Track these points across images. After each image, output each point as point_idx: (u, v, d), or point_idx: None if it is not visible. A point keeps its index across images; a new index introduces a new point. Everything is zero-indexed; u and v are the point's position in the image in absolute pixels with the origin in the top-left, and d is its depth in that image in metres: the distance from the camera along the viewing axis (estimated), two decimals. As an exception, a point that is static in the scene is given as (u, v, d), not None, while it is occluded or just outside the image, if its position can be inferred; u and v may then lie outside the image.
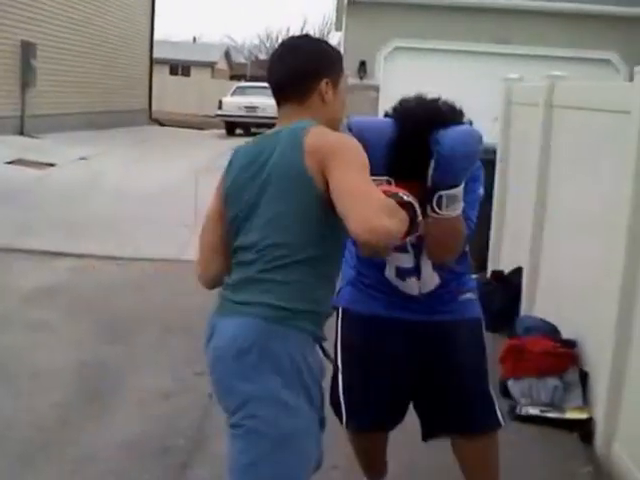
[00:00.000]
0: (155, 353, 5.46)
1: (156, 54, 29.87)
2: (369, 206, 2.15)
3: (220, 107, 25.78)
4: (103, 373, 5.08)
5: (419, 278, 3.08)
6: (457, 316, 3.13)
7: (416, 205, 2.39)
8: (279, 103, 2.59)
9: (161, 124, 28.48)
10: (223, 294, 2.52)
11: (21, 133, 17.95)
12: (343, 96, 2.62)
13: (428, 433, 3.28)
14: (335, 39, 39.53)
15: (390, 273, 3.10)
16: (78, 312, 6.25)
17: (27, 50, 18.32)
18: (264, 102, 25.24)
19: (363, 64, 19.62)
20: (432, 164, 2.80)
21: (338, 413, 3.24)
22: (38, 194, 11.75)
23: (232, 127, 25.93)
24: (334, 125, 2.57)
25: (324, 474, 2.80)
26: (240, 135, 25.35)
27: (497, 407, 3.19)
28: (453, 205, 2.79)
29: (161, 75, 37.58)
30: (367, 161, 2.34)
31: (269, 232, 2.40)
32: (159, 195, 11.63)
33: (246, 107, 25.42)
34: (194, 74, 48.54)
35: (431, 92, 3.02)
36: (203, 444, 4.24)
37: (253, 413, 2.36)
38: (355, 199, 2.19)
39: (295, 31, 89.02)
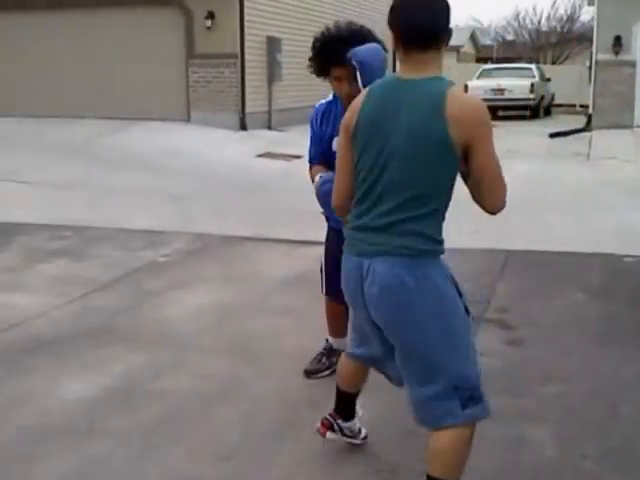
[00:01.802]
0: None
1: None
2: (503, 195, 2.87)
3: (466, 91, 25.23)
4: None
5: None
6: None
7: None
8: (411, 50, 2.83)
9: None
10: (358, 236, 3.00)
11: (269, 127, 18.41)
12: None
13: None
14: (588, 14, 37.88)
15: None
16: (324, 298, 6.23)
17: (272, 45, 18.74)
18: (511, 84, 24.60)
19: (618, 39, 18.73)
20: (358, 75, 3.83)
21: (322, 282, 4.78)
22: (285, 185, 12.12)
23: (478, 111, 25.36)
24: None
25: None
26: (487, 119, 24.77)
27: None
28: None
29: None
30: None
31: (406, 185, 2.84)
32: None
33: (492, 90, 24.79)
34: (439, 59, 48.21)
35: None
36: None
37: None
38: (497, 186, 2.86)
39: (544, 10, 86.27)
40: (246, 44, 17.97)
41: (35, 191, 11.35)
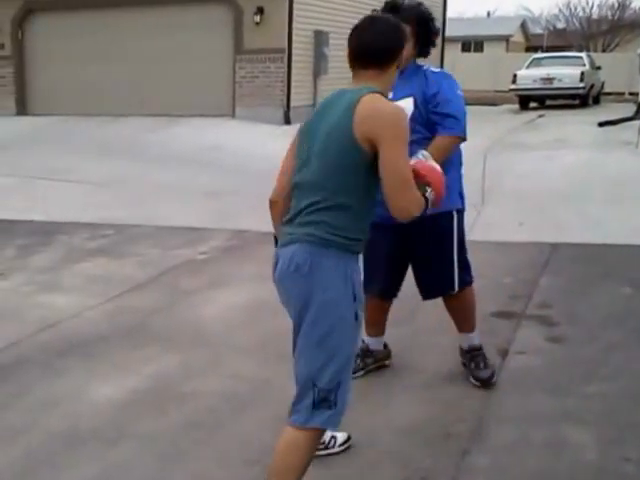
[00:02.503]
0: (437, 335, 5.26)
1: (449, 32, 29.45)
2: (408, 200, 2.89)
3: (514, 81, 24.82)
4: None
5: None
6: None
7: (430, 198, 3.06)
8: (354, 66, 3.18)
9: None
10: (283, 230, 3.13)
11: (313, 121, 18.31)
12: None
13: (422, 296, 4.60)
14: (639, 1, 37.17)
15: None
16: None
17: (320, 39, 18.61)
18: (561, 72, 24.16)
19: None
20: None
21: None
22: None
23: (526, 101, 24.93)
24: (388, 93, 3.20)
25: None
26: (534, 109, 24.42)
27: (456, 278, 4.42)
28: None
29: (453, 52, 37.17)
30: (407, 129, 2.96)
31: (319, 180, 3.01)
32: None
33: (542, 79, 24.35)
34: (487, 49, 47.81)
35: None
36: (485, 431, 4.04)
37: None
38: (399, 188, 2.88)
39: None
40: (294, 38, 17.85)
41: (79, 190, 11.37)
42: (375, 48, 3.11)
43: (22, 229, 9.00)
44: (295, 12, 17.71)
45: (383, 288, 4.59)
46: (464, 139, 4.34)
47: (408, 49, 4.18)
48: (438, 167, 3.21)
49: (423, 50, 4.45)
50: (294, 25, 17.72)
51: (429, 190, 3.06)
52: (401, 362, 4.87)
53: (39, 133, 16.88)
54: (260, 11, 17.58)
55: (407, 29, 4.16)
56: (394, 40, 3.15)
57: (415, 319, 5.56)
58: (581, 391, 4.41)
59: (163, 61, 18.45)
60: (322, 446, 3.74)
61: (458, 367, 4.73)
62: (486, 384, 4.49)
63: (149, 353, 5.13)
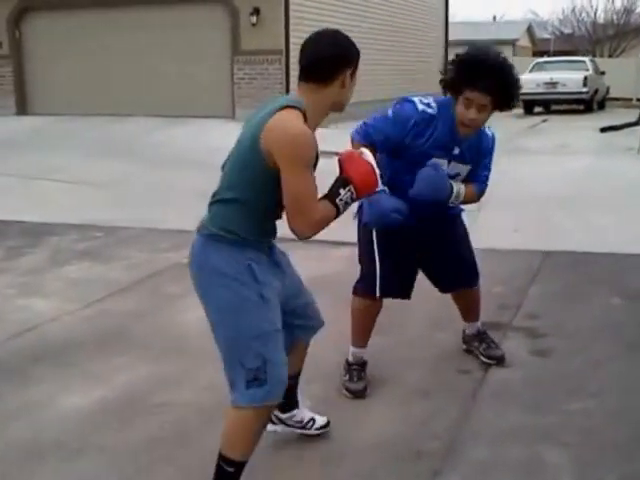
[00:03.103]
0: (417, 348, 5.20)
1: (455, 36, 29.38)
2: (300, 223, 3.01)
3: (517, 85, 24.64)
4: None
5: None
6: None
7: (347, 197, 3.17)
8: (301, 79, 3.17)
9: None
10: None
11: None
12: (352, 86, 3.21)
13: (441, 290, 4.83)
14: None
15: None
16: (347, 301, 5.94)
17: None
18: (565, 77, 24.05)
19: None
20: None
21: (372, 284, 4.50)
22: (322, 183, 11.82)
23: (530, 105, 24.80)
24: (341, 107, 3.25)
25: None
26: (539, 113, 24.27)
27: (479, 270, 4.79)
28: (456, 201, 4.24)
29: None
30: (309, 152, 2.99)
31: (225, 178, 3.18)
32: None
33: (545, 83, 24.29)
34: (494, 53, 47.62)
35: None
36: (458, 449, 3.87)
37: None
38: (294, 211, 3.00)
39: (600, 2, 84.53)
40: (291, 40, 17.73)
41: (73, 190, 11.30)
42: (312, 62, 3.13)
43: (14, 230, 8.92)
44: (292, 13, 17.64)
45: (408, 289, 4.66)
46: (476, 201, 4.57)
47: (483, 117, 4.08)
48: (368, 158, 3.23)
49: (499, 109, 4.16)
50: (291, 26, 17.62)
51: (345, 191, 3.15)
52: (379, 375, 4.72)
53: (38, 133, 16.82)
54: (256, 12, 17.51)
55: (487, 99, 3.99)
56: (331, 56, 3.13)
57: (398, 330, 5.46)
58: (562, 408, 4.26)
59: (162, 62, 18.41)
60: (299, 425, 3.81)
61: (436, 382, 4.63)
62: (500, 361, 4.82)
63: (124, 361, 5.01)
